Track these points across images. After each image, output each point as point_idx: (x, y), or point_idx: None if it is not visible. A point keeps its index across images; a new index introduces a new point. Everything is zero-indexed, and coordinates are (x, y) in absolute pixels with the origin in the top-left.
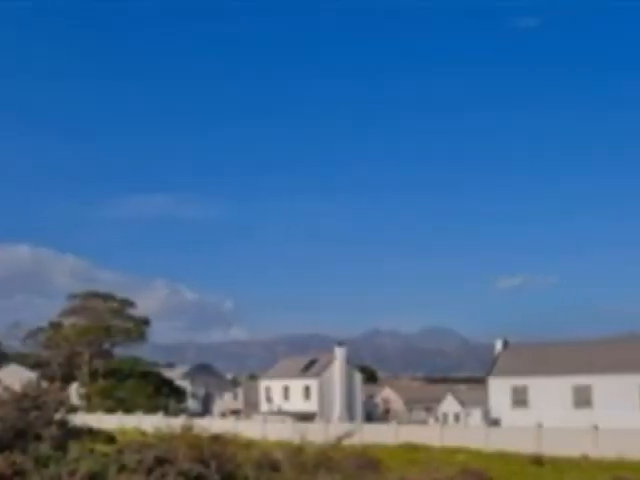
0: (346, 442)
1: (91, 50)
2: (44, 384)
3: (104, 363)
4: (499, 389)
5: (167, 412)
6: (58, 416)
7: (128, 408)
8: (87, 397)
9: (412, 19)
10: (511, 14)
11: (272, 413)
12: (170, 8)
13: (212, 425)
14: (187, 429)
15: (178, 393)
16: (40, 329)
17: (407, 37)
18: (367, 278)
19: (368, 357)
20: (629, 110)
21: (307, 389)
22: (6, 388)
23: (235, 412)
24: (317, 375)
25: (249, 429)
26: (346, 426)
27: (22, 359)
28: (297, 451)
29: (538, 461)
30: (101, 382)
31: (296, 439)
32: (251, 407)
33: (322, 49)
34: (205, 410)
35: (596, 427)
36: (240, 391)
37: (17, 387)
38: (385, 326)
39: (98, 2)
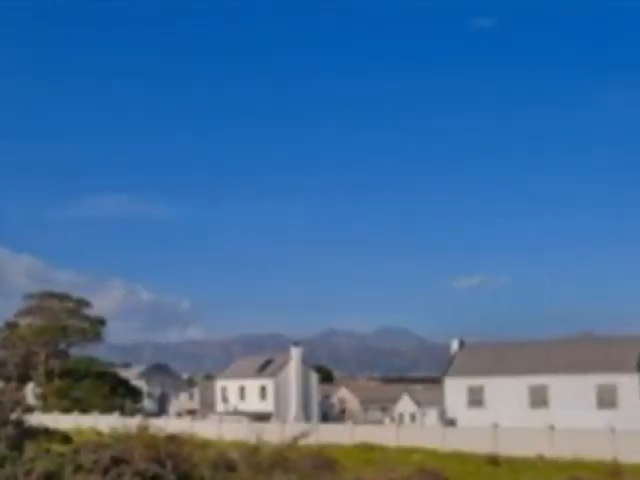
0: (302, 442)
1: (45, 47)
2: (0, 384)
3: (60, 363)
4: (455, 389)
5: (123, 412)
6: (14, 416)
7: (84, 408)
8: (43, 397)
9: (370, 19)
10: (468, 14)
11: (228, 413)
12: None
13: (168, 425)
14: (143, 429)
15: (134, 393)
16: None
17: (363, 37)
18: (323, 278)
19: (324, 357)
20: (586, 109)
21: (263, 389)
22: None
23: (191, 412)
24: (273, 375)
25: (205, 429)
26: (302, 426)
27: None
28: (253, 451)
29: (494, 461)
30: (57, 382)
31: (252, 439)
32: (207, 407)
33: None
34: (161, 410)
35: (552, 427)
36: (196, 391)
37: None
38: (341, 326)
39: None
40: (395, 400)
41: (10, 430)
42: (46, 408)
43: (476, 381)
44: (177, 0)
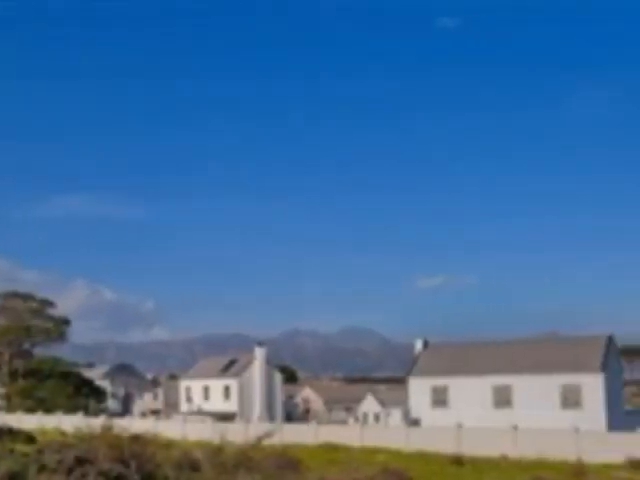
0: (266, 442)
1: (13, 49)
2: None
3: (24, 363)
4: (419, 389)
5: (87, 412)
6: None
7: (48, 408)
8: (7, 397)
9: (337, 19)
10: (433, 14)
11: (192, 413)
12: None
13: (132, 425)
14: (107, 429)
15: (98, 393)
16: None
17: (330, 37)
18: (287, 278)
19: (288, 357)
20: (549, 110)
21: (227, 389)
22: None
23: (155, 412)
24: (237, 375)
25: (169, 429)
26: (266, 426)
27: None
28: (217, 451)
29: (458, 461)
30: (21, 382)
31: (216, 439)
32: (171, 407)
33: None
34: (125, 410)
35: (516, 427)
36: (160, 391)
37: None
38: (305, 326)
39: None
40: (359, 400)
41: None
42: (10, 408)
43: (440, 381)
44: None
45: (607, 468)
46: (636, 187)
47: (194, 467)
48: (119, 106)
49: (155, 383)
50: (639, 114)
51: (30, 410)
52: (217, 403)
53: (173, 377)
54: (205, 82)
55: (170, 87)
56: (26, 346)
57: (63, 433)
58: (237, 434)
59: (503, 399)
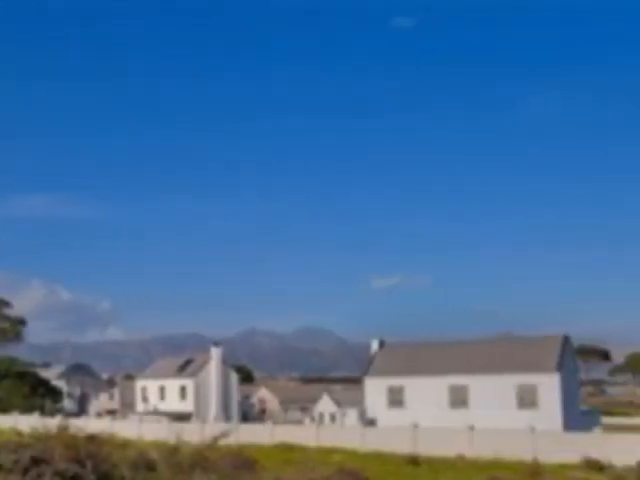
0: (222, 442)
1: None
2: None
3: None
4: (375, 389)
5: (43, 412)
6: None
7: (4, 408)
8: None
9: (292, 19)
10: (388, 14)
11: (148, 413)
12: None
13: (88, 425)
14: (63, 429)
15: (54, 393)
16: None
17: (284, 37)
18: (244, 278)
19: (244, 357)
20: (502, 110)
21: (183, 389)
22: None
23: (111, 412)
24: (193, 375)
25: (125, 429)
26: (222, 426)
27: None
28: (173, 451)
29: (414, 461)
30: None
31: (172, 439)
32: (127, 407)
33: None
34: (81, 410)
35: (472, 427)
36: (116, 391)
37: None
38: (261, 326)
39: None
40: (315, 400)
41: None
42: None
43: (396, 381)
44: None
45: (563, 468)
46: (588, 186)
47: (150, 467)
48: (77, 107)
49: (111, 383)
50: (591, 114)
51: None
52: (173, 403)
53: (129, 377)
54: (164, 83)
55: (127, 88)
56: None
57: (19, 433)
58: (193, 434)
59: (459, 399)
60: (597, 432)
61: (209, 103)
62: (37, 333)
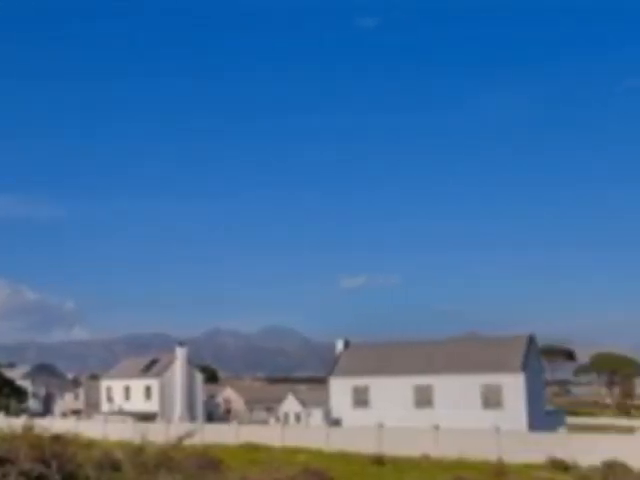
0: (187, 442)
1: None
2: None
3: None
4: (340, 389)
5: (8, 412)
6: None
7: None
8: None
9: (253, 18)
10: (351, 14)
11: (113, 413)
12: None
13: (53, 425)
14: (28, 429)
15: (19, 393)
16: None
17: (244, 37)
18: (208, 277)
19: (209, 357)
20: (461, 110)
21: (148, 389)
22: None
23: (76, 412)
24: (158, 375)
25: (90, 429)
26: (187, 426)
27: None
28: (138, 451)
29: (379, 461)
30: None
31: (137, 439)
32: (92, 407)
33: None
34: (46, 410)
35: (437, 427)
36: (81, 391)
37: None
38: (226, 325)
39: None
40: (280, 400)
41: None
42: None
43: (361, 381)
44: None
45: (528, 468)
46: (546, 188)
47: (115, 467)
48: (38, 107)
49: (76, 383)
50: (544, 116)
51: None
52: (138, 403)
53: (94, 377)
54: (125, 83)
55: (89, 89)
56: None
57: None
58: (158, 434)
59: (424, 399)
60: (562, 432)
61: (173, 103)
62: (2, 333)
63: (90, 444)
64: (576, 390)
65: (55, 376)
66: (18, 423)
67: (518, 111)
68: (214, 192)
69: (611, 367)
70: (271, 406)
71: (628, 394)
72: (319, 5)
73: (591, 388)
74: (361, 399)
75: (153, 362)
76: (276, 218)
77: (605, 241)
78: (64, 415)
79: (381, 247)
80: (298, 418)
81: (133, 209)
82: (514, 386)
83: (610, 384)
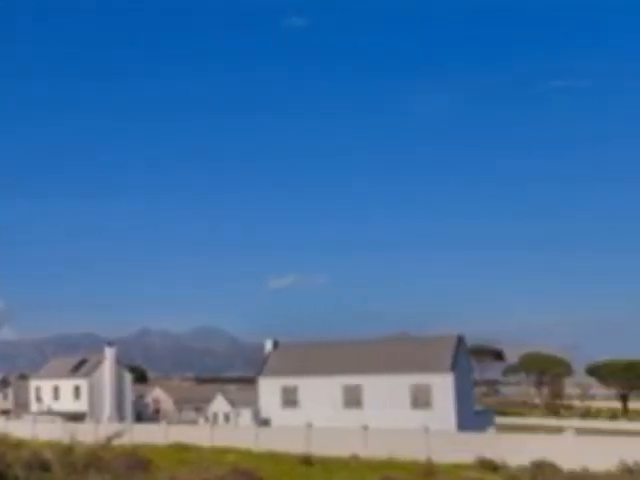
0: (116, 442)
1: None
2: None
3: None
4: (269, 389)
5: None
6: None
7: None
8: None
9: (181, 17)
10: (281, 13)
11: (42, 413)
12: None
13: None
14: None
15: None
16: None
17: (171, 36)
18: (137, 277)
19: (138, 357)
20: (392, 111)
21: (77, 389)
22: None
23: (5, 412)
24: (87, 375)
25: (19, 429)
26: (116, 426)
27: None
28: (67, 451)
29: (307, 461)
30: None
31: (66, 439)
32: (21, 407)
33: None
34: None
35: (366, 427)
36: (10, 391)
37: None
38: (155, 326)
39: None
40: (209, 400)
41: None
42: None
43: (290, 381)
44: None
45: (457, 468)
46: (477, 188)
47: (44, 467)
48: None
49: (5, 383)
50: (478, 116)
51: None
52: (67, 403)
53: (23, 377)
54: (59, 81)
55: (22, 85)
56: None
57: None
58: (87, 434)
59: (353, 399)
60: (491, 432)
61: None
62: None
63: (19, 444)
64: (505, 390)
65: None
66: None
67: (446, 110)
68: (142, 191)
69: (540, 367)
70: (200, 406)
71: (557, 394)
72: (247, 4)
73: (520, 388)
74: (290, 399)
75: (82, 362)
76: (206, 218)
77: (535, 241)
78: None
79: (309, 247)
80: (227, 418)
81: (60, 208)
82: (443, 386)
83: (539, 384)
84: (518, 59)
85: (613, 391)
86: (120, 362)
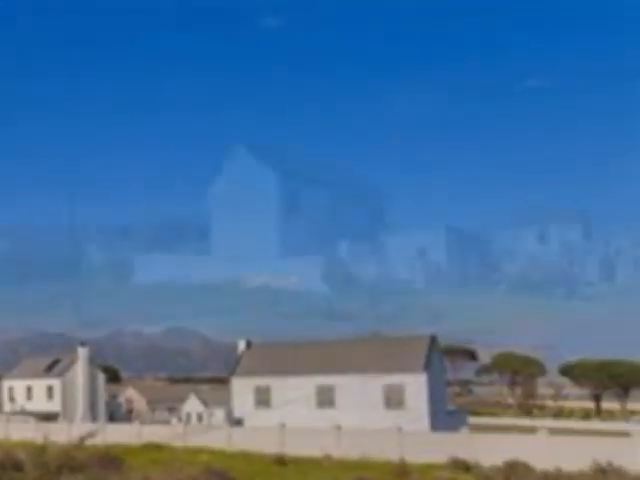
0: (89, 442)
1: None
2: None
3: None
4: (242, 389)
5: None
6: None
7: None
8: None
9: (158, 16)
10: (256, 13)
11: (15, 413)
12: None
13: None
14: None
15: None
16: None
17: (147, 36)
18: (111, 277)
19: (111, 357)
20: (371, 110)
21: (50, 389)
22: None
23: None
24: (60, 375)
25: None
26: (89, 426)
27: None
28: (40, 451)
29: (281, 461)
30: None
31: (39, 439)
32: None
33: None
34: None
35: (339, 427)
36: None
37: None
38: (129, 326)
39: None
40: (182, 400)
41: None
42: None
43: (263, 381)
44: None
45: (430, 468)
46: (450, 185)
47: (17, 467)
48: None
49: None
50: (459, 114)
51: None
52: (40, 403)
53: None
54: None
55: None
56: None
57: None
58: (60, 434)
59: (326, 399)
60: (464, 432)
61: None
62: None
63: None
64: (478, 390)
65: None
66: None
67: (422, 109)
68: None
69: (513, 367)
70: (173, 406)
71: (530, 394)
72: (222, 4)
73: (493, 388)
74: (263, 399)
75: (55, 362)
76: (174, 218)
77: None
78: None
79: (280, 247)
80: (200, 418)
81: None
82: (416, 386)
83: (512, 384)
84: (494, 58)
85: (586, 391)
86: (93, 362)
